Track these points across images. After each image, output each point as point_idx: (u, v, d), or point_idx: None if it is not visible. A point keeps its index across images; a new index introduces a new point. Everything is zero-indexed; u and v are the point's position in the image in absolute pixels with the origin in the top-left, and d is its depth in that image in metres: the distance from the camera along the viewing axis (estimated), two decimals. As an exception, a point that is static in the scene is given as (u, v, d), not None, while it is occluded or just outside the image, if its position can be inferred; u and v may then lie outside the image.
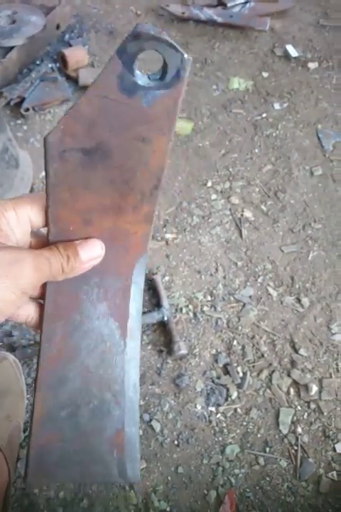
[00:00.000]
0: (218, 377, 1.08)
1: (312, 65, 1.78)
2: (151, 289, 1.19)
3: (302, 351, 1.10)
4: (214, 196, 1.42)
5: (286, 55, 1.81)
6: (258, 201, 1.40)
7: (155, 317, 1.12)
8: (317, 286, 1.20)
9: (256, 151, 1.52)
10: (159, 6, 2.03)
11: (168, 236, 1.32)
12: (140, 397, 1.05)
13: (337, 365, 1.08)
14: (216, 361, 1.09)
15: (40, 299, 0.40)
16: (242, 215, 1.37)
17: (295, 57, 1.79)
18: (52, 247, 0.37)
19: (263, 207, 1.38)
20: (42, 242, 0.39)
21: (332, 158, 1.48)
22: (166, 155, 0.30)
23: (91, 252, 0.37)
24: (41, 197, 0.36)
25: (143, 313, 1.15)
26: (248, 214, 1.37)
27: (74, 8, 2.03)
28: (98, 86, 0.27)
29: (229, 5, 1.98)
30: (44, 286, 0.39)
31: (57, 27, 1.86)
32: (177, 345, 1.07)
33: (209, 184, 1.44)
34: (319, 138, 1.54)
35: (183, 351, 1.08)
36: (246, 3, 2.00)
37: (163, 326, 1.13)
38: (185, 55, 0.26)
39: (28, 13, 1.81)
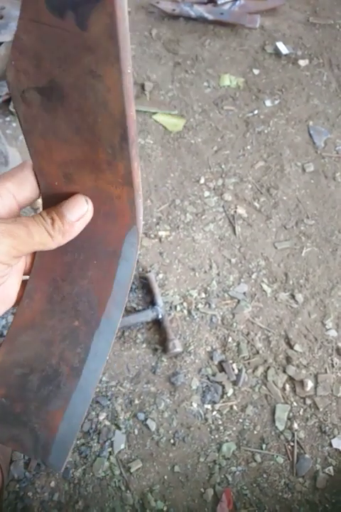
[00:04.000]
0: (213, 375, 1.07)
1: (302, 62, 1.78)
2: (145, 287, 1.18)
3: (297, 347, 1.10)
4: (207, 193, 1.41)
5: (277, 53, 1.81)
6: (251, 198, 1.39)
7: (149, 315, 1.11)
8: (311, 282, 1.19)
9: (248, 147, 1.52)
10: (149, 3, 2.01)
11: (161, 233, 1.30)
12: (134, 396, 1.04)
13: (332, 360, 1.08)
14: (211, 358, 1.09)
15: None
16: (235, 211, 1.36)
17: (285, 55, 1.79)
18: (34, 215, 0.34)
19: (256, 203, 1.38)
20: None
21: (324, 155, 1.48)
22: (124, 94, 0.26)
23: (78, 209, 0.34)
24: (21, 169, 0.34)
25: (138, 311, 1.14)
26: (241, 211, 1.36)
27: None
28: (27, 7, 0.24)
29: (219, 2, 1.97)
30: (33, 257, 0.37)
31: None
32: (172, 343, 1.06)
33: (202, 181, 1.43)
34: (310, 134, 1.54)
35: (178, 349, 1.06)
36: (236, 0, 1.99)
37: (157, 324, 1.12)
38: None
39: (16, 9, 1.78)
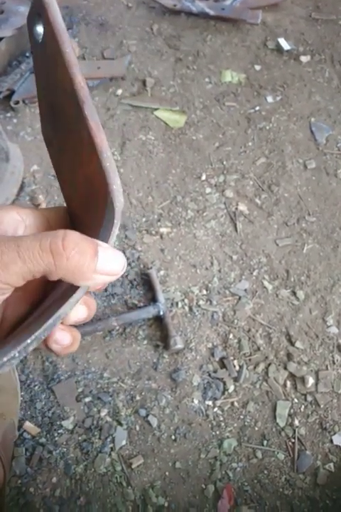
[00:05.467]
0: (215, 371, 1.07)
1: (304, 59, 1.77)
2: (146, 283, 1.18)
3: (298, 344, 1.10)
4: (208, 190, 1.40)
5: (278, 49, 1.80)
6: (253, 194, 1.39)
7: (150, 312, 1.11)
8: (312, 279, 1.19)
9: (250, 144, 1.51)
10: (150, -3, 2.00)
11: (163, 230, 1.30)
12: (136, 392, 1.04)
13: (332, 357, 1.08)
14: (212, 355, 1.09)
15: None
16: (237, 208, 1.36)
17: (287, 51, 1.78)
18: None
19: (257, 200, 1.38)
20: None
21: (326, 151, 1.48)
22: (70, 72, 0.29)
23: (115, 259, 0.29)
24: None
25: (139, 308, 1.14)
26: (242, 207, 1.36)
27: (64, 0, 2.00)
28: (34, 65, 0.35)
29: (221, -3, 1.96)
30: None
31: (47, 18, 1.83)
32: (173, 339, 1.06)
33: (204, 177, 1.43)
34: (312, 131, 1.54)
35: (179, 345, 1.07)
36: (238, -5, 1.98)
37: (158, 321, 1.12)
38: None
39: (16, 4, 1.77)
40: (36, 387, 1.06)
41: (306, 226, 1.30)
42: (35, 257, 0.27)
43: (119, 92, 1.66)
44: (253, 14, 1.89)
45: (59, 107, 0.31)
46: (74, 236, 0.28)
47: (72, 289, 0.29)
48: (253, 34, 1.86)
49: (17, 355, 0.28)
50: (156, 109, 1.61)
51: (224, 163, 1.46)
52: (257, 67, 1.73)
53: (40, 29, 0.31)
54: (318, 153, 1.48)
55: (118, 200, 0.29)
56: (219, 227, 1.32)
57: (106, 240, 0.30)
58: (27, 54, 1.71)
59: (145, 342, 1.10)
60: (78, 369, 1.08)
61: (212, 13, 1.89)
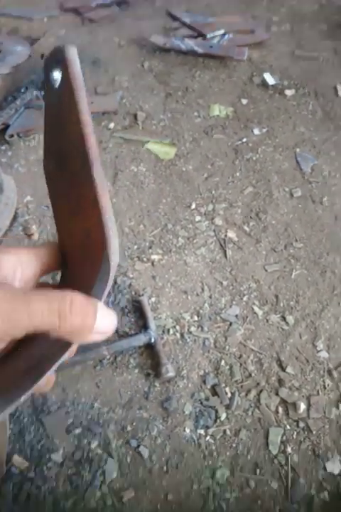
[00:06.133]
0: (206, 399, 1.03)
1: (289, 92, 1.80)
2: (138, 310, 1.15)
3: (289, 369, 1.06)
4: (198, 218, 1.39)
5: (264, 83, 1.83)
6: (241, 222, 1.38)
7: (142, 339, 1.07)
8: (301, 304, 1.17)
9: (238, 174, 1.51)
10: (142, 37, 2.04)
11: (154, 257, 1.28)
12: (127, 422, 1.00)
13: (323, 382, 1.05)
14: (204, 382, 1.05)
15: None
16: (226, 235, 1.34)
17: (272, 85, 1.81)
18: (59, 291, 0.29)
19: (245, 227, 1.36)
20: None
21: (311, 180, 1.48)
22: (83, 132, 0.31)
23: (109, 321, 0.30)
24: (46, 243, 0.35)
25: (130, 335, 1.10)
26: (231, 234, 1.35)
27: (59, 39, 2.03)
28: (45, 105, 0.34)
29: (208, 36, 2.01)
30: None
31: (42, 56, 1.85)
32: (164, 367, 1.03)
33: (193, 206, 1.42)
34: (297, 161, 1.54)
35: (171, 374, 1.03)
36: (224, 34, 2.03)
37: (150, 348, 1.08)
38: (64, 47, 0.31)
39: (13, 44, 1.79)
40: (25, 419, 1.01)
41: (294, 252, 1.29)
42: (43, 318, 0.27)
43: (111, 125, 1.66)
44: (239, 51, 1.93)
45: (66, 153, 0.32)
46: (79, 300, 0.28)
47: (64, 343, 0.30)
48: (240, 70, 1.90)
49: (12, 410, 0.28)
50: (147, 142, 1.61)
51: (213, 192, 1.46)
52: (244, 101, 1.75)
53: (57, 76, 0.32)
54: (304, 182, 1.48)
55: (115, 258, 0.30)
56: (209, 253, 1.30)
57: (100, 294, 0.30)
58: (22, 90, 1.72)
59: (136, 370, 1.06)
60: (68, 399, 1.03)
61: (200, 50, 1.92)
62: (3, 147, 1.56)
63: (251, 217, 1.39)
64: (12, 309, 0.27)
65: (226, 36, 2.02)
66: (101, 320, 0.29)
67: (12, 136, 1.56)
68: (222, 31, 2.03)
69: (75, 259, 0.34)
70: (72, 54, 0.31)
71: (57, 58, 0.31)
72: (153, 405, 1.02)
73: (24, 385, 0.29)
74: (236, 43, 1.98)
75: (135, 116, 1.69)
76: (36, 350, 0.31)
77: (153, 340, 1.07)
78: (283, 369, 1.06)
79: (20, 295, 0.28)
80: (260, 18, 2.26)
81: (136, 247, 1.31)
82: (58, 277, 0.36)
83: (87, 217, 0.31)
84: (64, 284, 0.34)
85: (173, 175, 1.52)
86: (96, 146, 0.30)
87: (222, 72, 1.88)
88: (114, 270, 0.30)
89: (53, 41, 1.97)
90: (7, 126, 1.58)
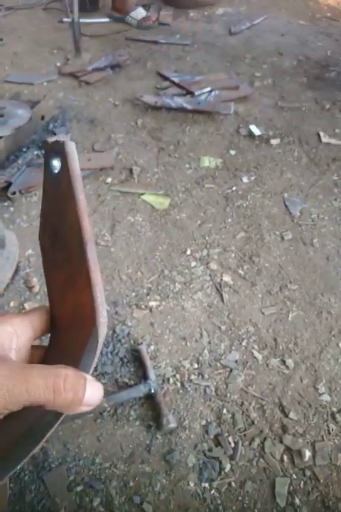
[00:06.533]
0: (210, 450, 0.95)
1: (274, 141, 1.81)
2: (137, 360, 1.08)
3: (292, 415, 0.99)
4: (193, 263, 1.35)
5: (250, 134, 1.84)
6: (236, 266, 1.34)
7: (142, 390, 1.00)
8: (300, 346, 1.11)
9: (229, 220, 1.49)
10: (134, 96, 2.07)
11: (152, 304, 1.23)
12: (129, 478, 0.92)
13: (327, 426, 0.98)
14: (206, 432, 0.97)
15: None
16: (221, 279, 1.30)
17: (258, 136, 1.82)
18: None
19: (240, 271, 1.32)
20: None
21: (301, 223, 1.46)
22: (79, 215, 0.33)
23: (97, 394, 0.30)
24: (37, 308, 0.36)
25: (130, 386, 1.04)
26: (227, 278, 1.30)
27: (58, 101, 2.06)
28: (43, 188, 0.36)
29: (196, 93, 2.04)
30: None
31: (42, 118, 1.87)
32: (166, 418, 0.95)
33: (189, 252, 1.39)
34: (286, 205, 1.53)
35: (172, 425, 0.95)
36: (211, 91, 2.07)
37: (150, 399, 1.01)
38: (64, 143, 0.33)
39: (15, 108, 1.81)
40: (26, 477, 0.93)
41: (289, 294, 1.24)
42: (40, 394, 0.28)
43: (109, 180, 1.65)
44: (226, 106, 1.96)
45: (62, 232, 0.34)
46: (71, 377, 0.29)
47: (56, 413, 0.30)
48: (227, 123, 1.91)
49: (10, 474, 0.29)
50: (143, 194, 1.59)
51: (207, 238, 1.43)
52: (232, 152, 1.76)
53: (56, 164, 0.34)
54: (293, 225, 1.45)
55: (103, 332, 0.31)
56: (206, 298, 1.25)
57: (88, 366, 0.31)
58: (24, 149, 1.71)
59: (137, 423, 0.99)
60: (69, 455, 0.95)
61: (189, 107, 1.95)
62: (6, 203, 1.53)
63: (244, 261, 1.35)
64: (13, 385, 0.28)
65: (213, 93, 2.06)
66: (90, 394, 0.30)
67: (14, 193, 1.54)
68: (208, 88, 2.07)
69: (65, 325, 0.35)
70: (72, 149, 0.33)
71: (58, 149, 0.33)
72: (155, 459, 0.94)
73: (19, 454, 0.30)
74: (223, 99, 2.02)
75: (131, 170, 1.68)
76: (29, 418, 0.31)
77: (153, 390, 1.00)
78: (286, 415, 0.99)
79: (19, 371, 0.29)
80: (244, 74, 2.32)
81: (134, 294, 1.26)
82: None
83: (79, 291, 0.33)
84: (53, 347, 0.35)
85: (168, 223, 1.49)
86: (90, 229, 0.33)
87: (211, 126, 1.90)
88: (101, 346, 0.32)
89: (52, 103, 2.00)
90: (9, 184, 1.57)
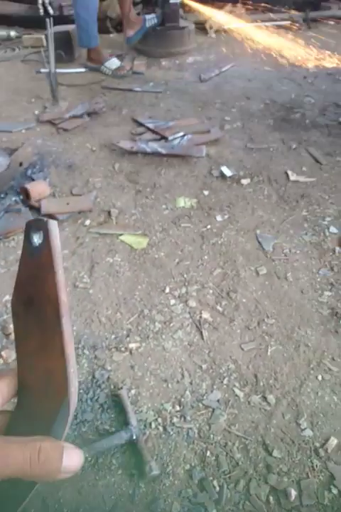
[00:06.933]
0: (194, 496, 0.90)
1: (245, 181, 1.85)
2: (118, 405, 1.04)
3: (275, 453, 0.96)
4: (173, 301, 1.34)
5: (222, 175, 1.88)
6: (214, 302, 1.33)
7: (123, 437, 0.96)
8: (280, 381, 1.09)
9: (206, 257, 1.49)
10: (111, 142, 2.10)
11: (132, 346, 1.19)
12: (113, 533, 0.85)
13: (312, 462, 0.95)
14: (191, 477, 0.93)
15: None
16: (201, 316, 1.28)
17: (230, 176, 1.87)
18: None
19: (219, 307, 1.31)
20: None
21: (274, 258, 1.47)
22: (57, 287, 0.34)
23: (75, 461, 0.30)
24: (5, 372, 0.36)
25: (111, 433, 0.99)
26: (206, 315, 1.29)
27: (36, 148, 2.06)
28: (21, 258, 0.36)
29: (170, 138, 2.09)
30: None
31: (20, 164, 1.86)
32: (148, 466, 0.91)
33: (168, 290, 1.37)
34: (259, 241, 1.54)
35: (156, 472, 0.91)
36: (184, 135, 2.12)
37: (132, 446, 0.96)
38: (47, 221, 0.34)
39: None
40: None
41: (267, 328, 1.23)
42: (18, 467, 0.29)
43: (87, 222, 1.64)
44: (198, 149, 2.01)
45: (38, 301, 0.35)
46: (47, 447, 0.29)
47: (33, 482, 0.31)
48: (200, 165, 1.96)
49: None
50: (121, 235, 1.59)
51: (185, 276, 1.42)
52: (206, 192, 1.79)
53: (36, 239, 0.35)
54: (267, 260, 1.47)
55: (74, 402, 0.32)
56: (186, 336, 1.23)
57: (60, 434, 0.32)
58: (1, 195, 1.69)
59: (119, 472, 0.93)
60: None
61: (163, 151, 1.99)
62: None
63: (222, 297, 1.35)
64: None
65: (186, 137, 2.11)
66: (67, 461, 0.29)
67: (-9, 238, 1.51)
68: (181, 133, 2.13)
69: (34, 390, 0.35)
70: (54, 226, 0.35)
71: (40, 226, 0.35)
72: (139, 509, 0.89)
73: None
74: (195, 142, 2.07)
75: (109, 212, 1.68)
76: (4, 488, 0.31)
77: (134, 436, 0.96)
78: (270, 453, 0.96)
79: (1, 446, 0.29)
80: (214, 118, 2.39)
81: (113, 336, 1.22)
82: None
83: (52, 359, 0.33)
84: (21, 412, 0.35)
85: (147, 262, 1.48)
86: (67, 302, 0.34)
87: (185, 169, 1.93)
88: (72, 415, 0.32)
89: (31, 150, 2.00)
90: (-14, 230, 1.53)
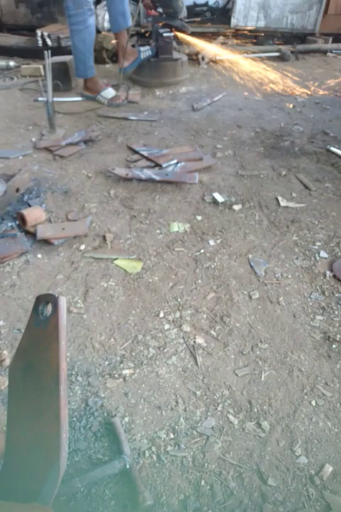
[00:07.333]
0: (189, 528, 0.87)
1: (236, 207, 1.87)
2: (111, 433, 1.01)
3: (270, 481, 0.94)
4: (167, 326, 1.32)
5: (214, 201, 1.90)
6: (208, 327, 1.32)
7: (116, 466, 0.93)
8: (274, 407, 1.08)
9: (199, 281, 1.49)
10: (107, 169, 2.12)
11: (126, 372, 1.17)
12: None
13: (307, 491, 0.92)
14: (185, 508, 0.90)
15: None
16: (195, 341, 1.27)
17: (221, 202, 1.88)
18: None
19: (212, 332, 1.30)
20: None
21: (266, 282, 1.47)
22: (59, 356, 0.35)
23: None
24: None
25: (104, 463, 0.96)
26: (200, 340, 1.28)
27: (33, 174, 2.07)
28: (27, 326, 0.38)
29: (164, 165, 2.11)
30: None
31: (17, 190, 1.86)
32: (142, 496, 0.88)
33: (162, 315, 1.36)
34: (251, 266, 1.55)
35: (149, 502, 0.88)
36: (177, 163, 2.14)
37: (126, 475, 0.93)
38: (58, 297, 0.36)
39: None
40: None
41: (260, 353, 1.22)
42: None
43: (82, 247, 1.63)
44: (191, 176, 2.03)
45: (38, 367, 0.36)
46: None
47: None
48: (193, 191, 1.97)
49: None
50: (116, 259, 1.58)
51: (179, 300, 1.41)
52: (199, 218, 1.80)
53: (45, 311, 0.37)
54: (259, 284, 1.47)
55: (64, 466, 0.33)
56: (181, 362, 1.21)
57: (50, 497, 0.33)
58: (-3, 221, 1.69)
59: (112, 502, 0.90)
60: None
61: (157, 178, 2.00)
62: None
63: (216, 322, 1.34)
64: None
65: (179, 164, 2.14)
66: None
67: (-14, 264, 1.49)
68: (175, 160, 2.15)
69: (24, 452, 0.35)
70: (63, 302, 0.37)
71: (49, 300, 0.37)
72: (132, 543, 0.85)
73: None
74: (188, 170, 2.09)
75: (104, 237, 1.68)
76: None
77: (128, 466, 0.93)
78: (265, 481, 0.94)
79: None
80: (206, 146, 2.43)
81: (107, 362, 1.20)
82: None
83: (46, 423, 0.34)
84: (7, 471, 0.35)
85: (141, 286, 1.47)
86: (66, 370, 0.35)
87: (178, 195, 1.95)
88: (61, 478, 0.33)
89: (28, 176, 2.01)
90: (-19, 255, 1.52)
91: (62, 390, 0.34)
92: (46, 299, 0.37)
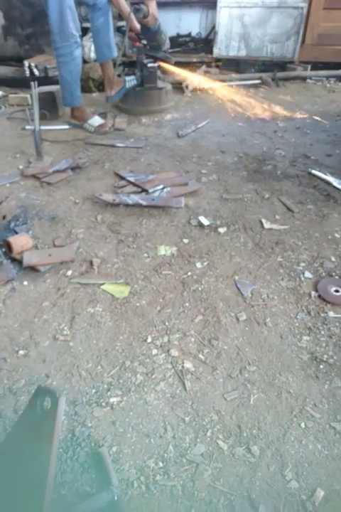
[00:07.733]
0: None
1: (221, 230, 1.88)
2: (99, 464, 0.98)
3: (261, 508, 0.91)
4: (154, 351, 1.30)
5: (200, 224, 1.92)
6: (196, 351, 1.31)
7: (104, 499, 0.90)
8: (264, 431, 1.06)
9: (187, 304, 1.48)
10: (94, 195, 2.13)
11: (113, 400, 1.15)
12: None
13: (299, 517, 0.90)
14: (175, 541, 0.87)
15: None
16: (183, 366, 1.25)
17: (207, 225, 1.90)
18: None
19: (201, 356, 1.29)
20: None
21: (253, 304, 1.48)
22: (51, 456, 0.35)
23: None
24: None
25: (92, 495, 0.92)
26: (188, 365, 1.26)
27: (20, 201, 2.07)
28: (21, 415, 0.37)
29: (150, 191, 2.13)
30: None
31: (4, 217, 1.85)
32: (131, 530, 0.84)
33: (149, 340, 1.34)
34: (238, 287, 1.55)
35: (139, 537, 0.84)
36: (163, 188, 2.17)
37: (114, 507, 0.90)
38: (60, 396, 0.35)
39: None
40: None
41: (249, 376, 1.21)
42: None
43: (69, 272, 1.62)
44: (177, 201, 2.05)
45: (28, 448, 0.37)
46: None
47: None
48: (179, 215, 1.99)
49: None
50: (103, 284, 1.57)
51: (167, 324, 1.40)
52: (185, 241, 1.81)
53: (42, 404, 0.37)
54: (246, 306, 1.47)
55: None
56: (169, 388, 1.19)
57: None
58: (-17, 249, 1.66)
59: (100, 539, 0.87)
60: None
61: (144, 203, 2.02)
62: None
63: (204, 345, 1.32)
64: None
65: (165, 189, 2.16)
66: None
67: (-29, 292, 1.46)
68: (161, 186, 2.18)
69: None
70: (62, 402, 0.38)
71: (49, 394, 0.37)
72: None
73: None
74: (174, 194, 2.12)
75: (91, 262, 1.67)
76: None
77: (116, 497, 0.90)
78: (256, 509, 0.91)
79: None
80: (192, 171, 2.47)
81: (94, 390, 1.17)
82: None
83: (29, 507, 0.35)
84: None
85: (129, 311, 1.46)
86: (56, 456, 0.36)
87: (165, 219, 1.96)
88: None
89: (14, 204, 2.00)
90: (-34, 284, 1.49)
91: (48, 487, 0.36)
92: (46, 394, 0.37)
